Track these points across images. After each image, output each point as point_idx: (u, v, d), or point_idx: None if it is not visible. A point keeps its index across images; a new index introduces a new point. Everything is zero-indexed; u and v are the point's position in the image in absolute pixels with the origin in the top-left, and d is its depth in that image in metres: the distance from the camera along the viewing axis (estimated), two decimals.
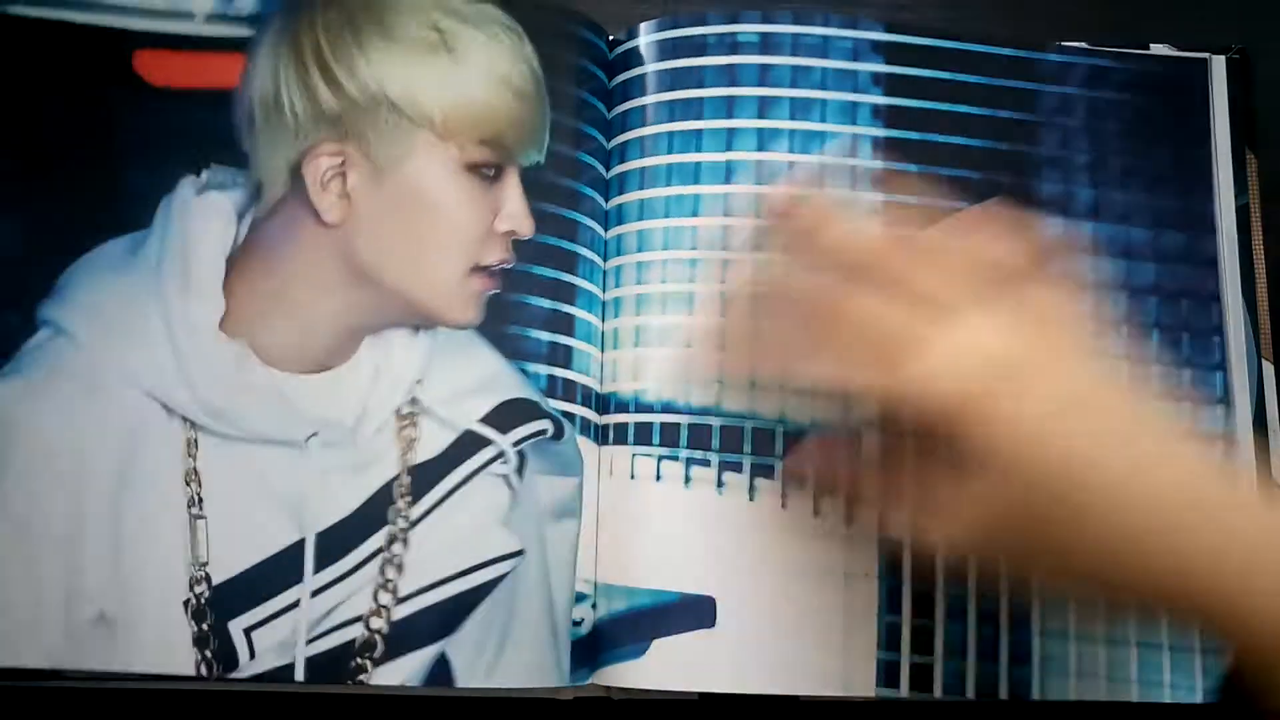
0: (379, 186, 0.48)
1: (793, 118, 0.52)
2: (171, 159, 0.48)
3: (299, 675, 0.45)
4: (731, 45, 0.53)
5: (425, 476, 0.47)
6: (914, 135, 0.53)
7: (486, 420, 0.48)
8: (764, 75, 0.53)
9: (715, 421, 0.50)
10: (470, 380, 0.48)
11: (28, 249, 0.47)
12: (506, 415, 0.48)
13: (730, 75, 0.53)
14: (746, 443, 0.49)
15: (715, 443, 0.50)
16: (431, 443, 0.48)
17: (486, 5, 0.50)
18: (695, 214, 0.51)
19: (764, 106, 0.52)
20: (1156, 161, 0.54)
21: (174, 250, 0.47)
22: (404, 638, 0.46)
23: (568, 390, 0.50)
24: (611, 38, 0.54)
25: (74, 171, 0.48)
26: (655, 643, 0.48)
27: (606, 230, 0.52)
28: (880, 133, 0.53)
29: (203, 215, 0.47)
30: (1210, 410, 0.52)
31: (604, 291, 0.52)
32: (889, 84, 0.53)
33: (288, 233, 0.48)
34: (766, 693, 0.47)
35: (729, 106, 0.52)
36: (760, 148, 0.52)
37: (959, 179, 0.52)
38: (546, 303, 0.50)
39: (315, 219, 0.47)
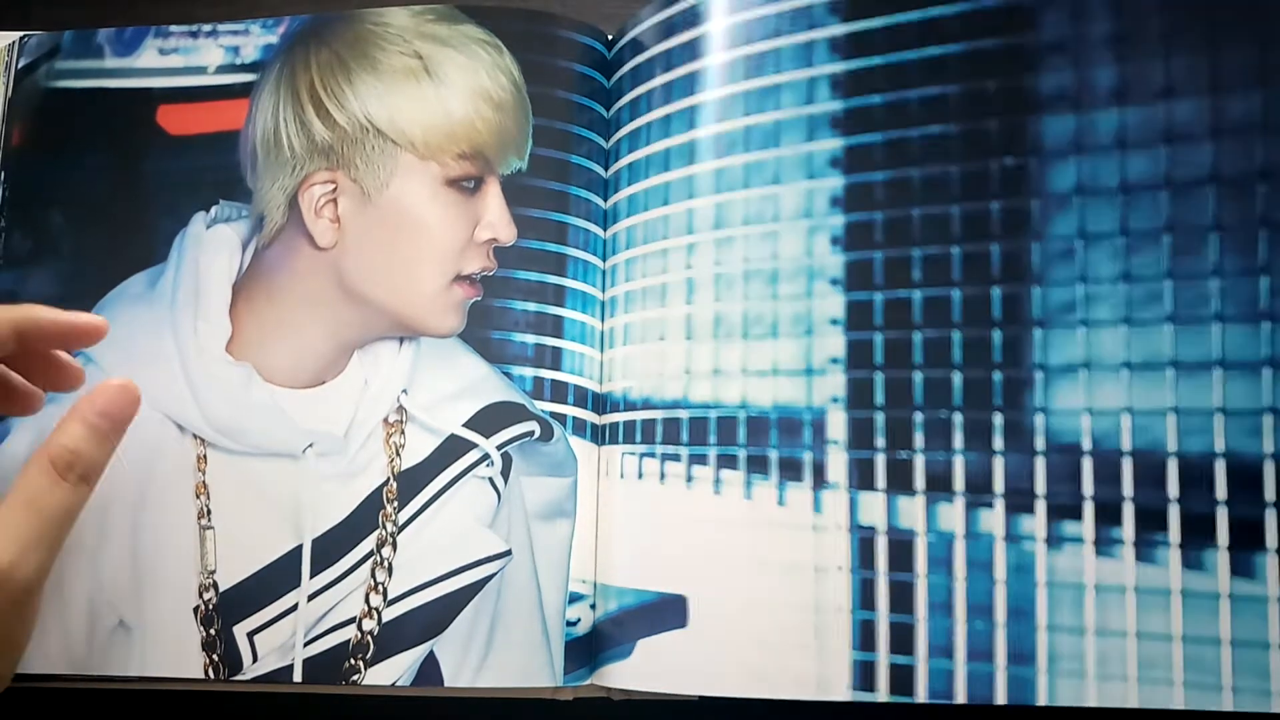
0: (366, 209, 0.50)
1: (747, 77, 0.48)
2: (187, 198, 0.52)
3: (297, 676, 0.47)
4: (692, 20, 0.50)
5: (412, 482, 0.48)
6: (878, 60, 0.46)
7: (470, 424, 0.49)
8: (727, 40, 0.49)
9: (684, 414, 0.48)
10: (453, 386, 0.49)
11: (68, 289, 0.52)
12: (490, 419, 0.49)
13: (693, 50, 0.50)
14: (711, 434, 0.47)
15: (684, 436, 0.48)
16: (417, 449, 0.49)
17: (467, 25, 0.52)
18: (665, 204, 0.50)
19: (723, 74, 0.49)
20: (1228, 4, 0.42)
21: (186, 281, 0.51)
22: (393, 639, 0.47)
23: (557, 391, 0.50)
24: (610, 37, 0.54)
25: (107, 217, 0.53)
26: (640, 643, 0.47)
27: (605, 230, 0.52)
28: (839, 67, 0.46)
29: (212, 247, 0.51)
30: None
31: (603, 291, 0.52)
32: (848, 7, 0.47)
33: (286, 258, 0.51)
34: (740, 696, 0.44)
35: (691, 85, 0.49)
36: (720, 118, 0.49)
37: (933, 99, 0.45)
38: (532, 306, 0.50)
39: (310, 243, 0.50)
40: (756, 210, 0.47)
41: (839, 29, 0.47)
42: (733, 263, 0.48)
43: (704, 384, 0.48)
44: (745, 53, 0.49)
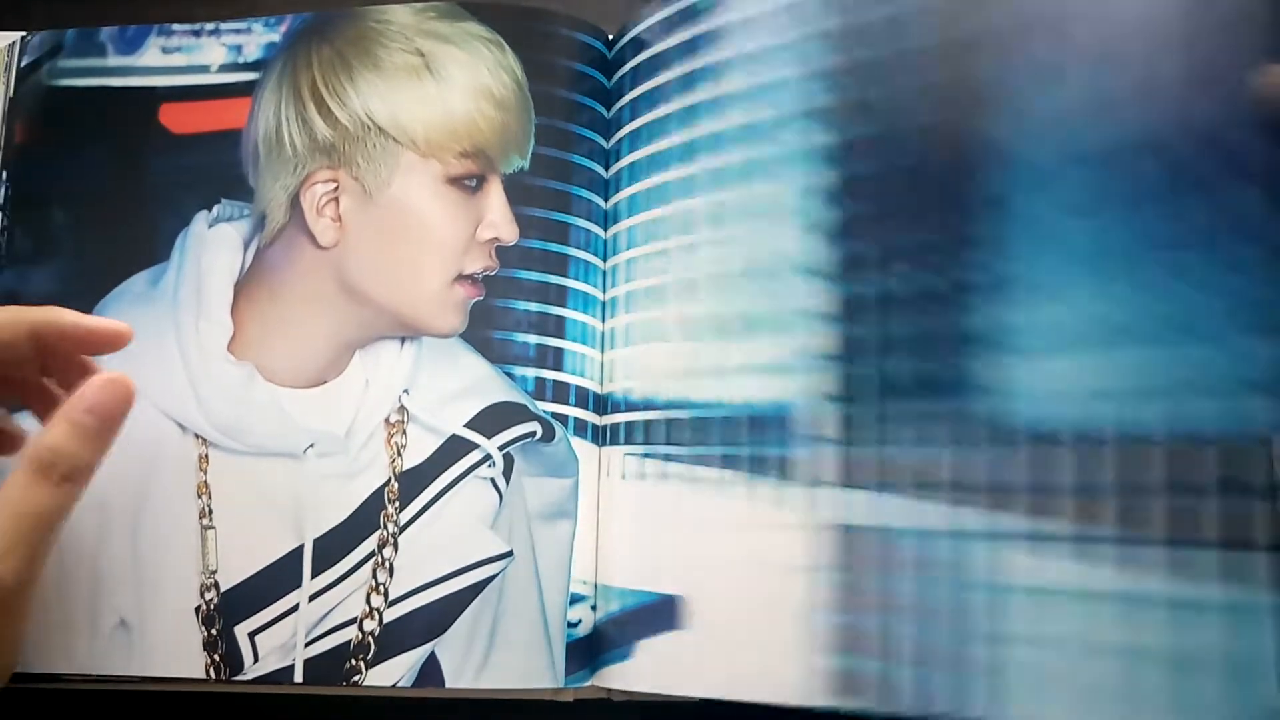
0: (368, 208, 0.50)
1: (747, 80, 0.49)
2: (189, 197, 0.52)
3: (298, 676, 0.47)
4: (691, 15, 0.50)
5: (413, 482, 0.48)
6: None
7: (471, 425, 0.49)
8: (720, 39, 0.50)
9: (685, 415, 0.48)
10: (455, 386, 0.49)
11: (69, 288, 0.52)
12: (492, 419, 0.49)
13: (693, 50, 0.50)
14: (714, 434, 0.47)
15: (686, 436, 0.48)
16: (418, 449, 0.49)
17: (469, 23, 0.52)
18: (666, 204, 0.50)
19: (721, 72, 0.49)
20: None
21: (188, 280, 0.50)
22: (395, 639, 0.47)
23: (559, 392, 0.50)
24: (611, 36, 0.54)
25: (109, 216, 0.53)
26: (639, 644, 0.47)
27: (606, 230, 0.52)
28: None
29: (214, 246, 0.51)
30: None
31: (604, 292, 0.52)
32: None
33: (288, 258, 0.51)
34: (729, 699, 0.45)
35: (689, 86, 0.50)
36: (715, 117, 0.49)
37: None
38: (534, 306, 0.50)
39: (312, 242, 0.50)
40: (748, 206, 0.48)
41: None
42: (732, 261, 0.48)
43: (707, 384, 0.48)
44: (747, 55, 0.49)
